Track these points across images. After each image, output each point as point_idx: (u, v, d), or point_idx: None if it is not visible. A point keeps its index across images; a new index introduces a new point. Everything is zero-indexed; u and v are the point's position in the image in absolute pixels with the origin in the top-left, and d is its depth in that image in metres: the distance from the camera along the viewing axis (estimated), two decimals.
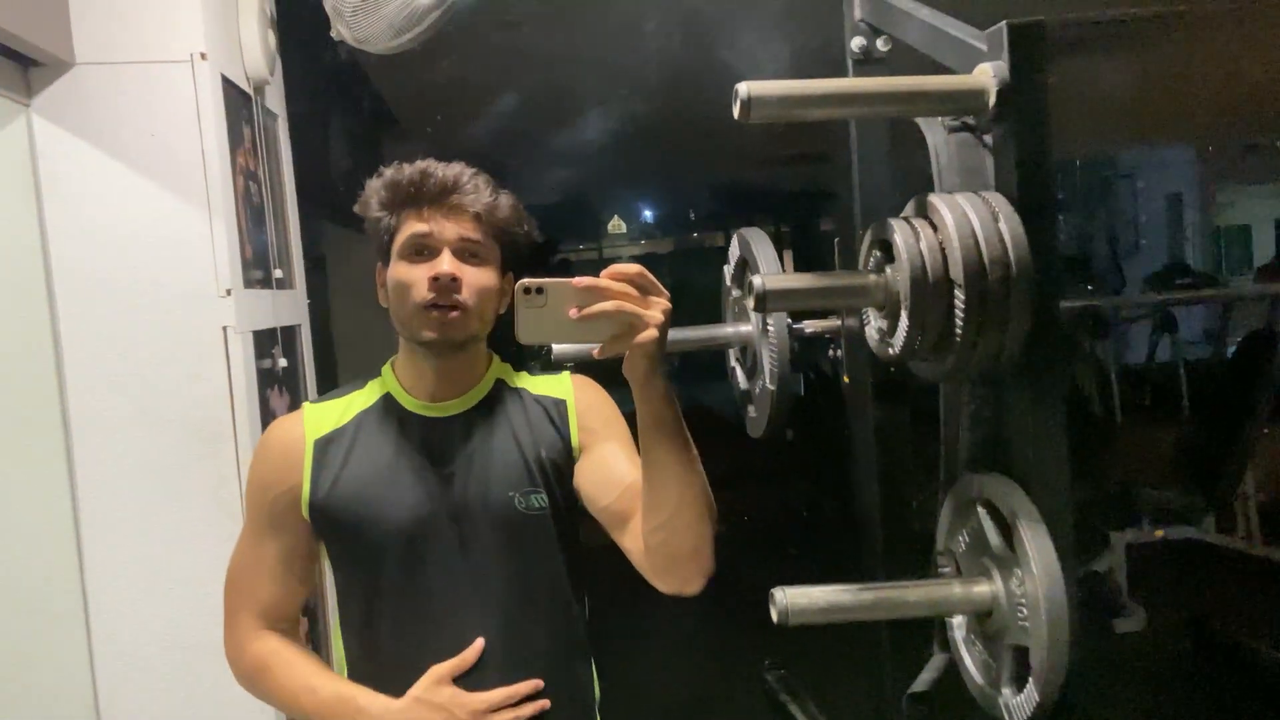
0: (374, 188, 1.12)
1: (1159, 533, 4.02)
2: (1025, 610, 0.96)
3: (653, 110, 4.95)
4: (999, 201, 0.96)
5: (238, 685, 1.15)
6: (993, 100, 0.98)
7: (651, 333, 0.91)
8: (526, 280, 0.91)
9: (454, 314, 1.08)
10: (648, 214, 11.68)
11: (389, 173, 1.12)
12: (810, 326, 1.51)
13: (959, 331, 0.94)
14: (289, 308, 1.76)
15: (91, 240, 1.39)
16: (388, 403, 1.18)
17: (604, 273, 0.92)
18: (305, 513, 1.11)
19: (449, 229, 1.09)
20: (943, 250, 0.95)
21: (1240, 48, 4.46)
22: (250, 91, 1.62)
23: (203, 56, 1.41)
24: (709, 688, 3.30)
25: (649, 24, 3.54)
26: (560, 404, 1.20)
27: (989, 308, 0.93)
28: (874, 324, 1.05)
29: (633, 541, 1.09)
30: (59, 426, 1.39)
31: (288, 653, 1.13)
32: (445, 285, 1.07)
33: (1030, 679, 0.96)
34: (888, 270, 0.99)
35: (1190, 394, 4.92)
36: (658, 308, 0.92)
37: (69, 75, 1.39)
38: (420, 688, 1.08)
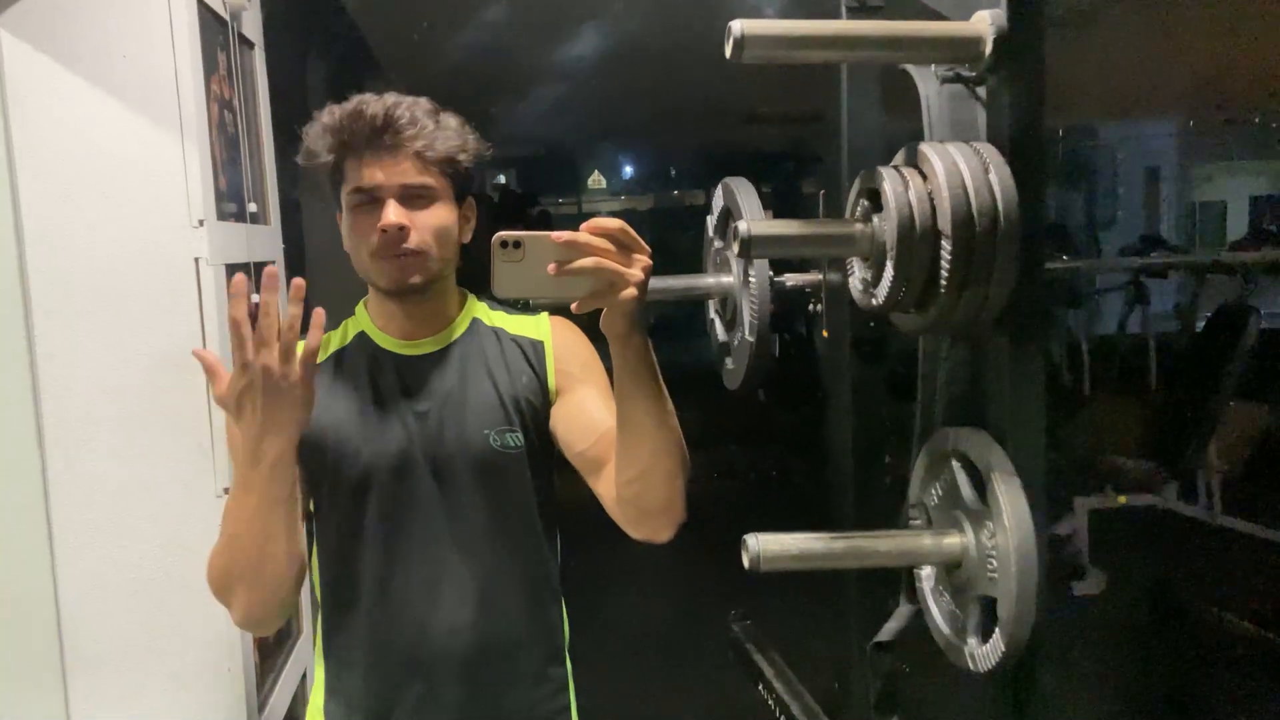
0: (311, 136, 1.10)
1: (1122, 499, 4.09)
2: (995, 562, 0.97)
3: (638, 65, 4.89)
4: (990, 152, 0.95)
5: (202, 620, 1.12)
6: (989, 49, 0.97)
7: (631, 291, 0.90)
8: (504, 234, 0.89)
9: (407, 259, 1.07)
10: (628, 170, 11.60)
11: (323, 118, 1.09)
12: (791, 280, 1.50)
13: (944, 283, 0.93)
14: (263, 243, 1.72)
15: (60, 162, 1.35)
16: (362, 341, 1.17)
17: (584, 226, 0.90)
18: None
19: (388, 177, 1.07)
20: (931, 200, 0.94)
21: (1221, 22, 4.46)
22: (226, 16, 1.57)
23: None
24: (677, 635, 3.35)
25: None
26: (538, 345, 1.20)
27: (975, 260, 0.92)
28: (858, 274, 1.04)
29: (606, 488, 1.10)
30: (24, 354, 1.36)
31: None
32: (394, 236, 1.06)
33: (996, 629, 0.97)
34: (875, 219, 0.98)
35: (1158, 365, 4.98)
36: (639, 265, 0.91)
37: None
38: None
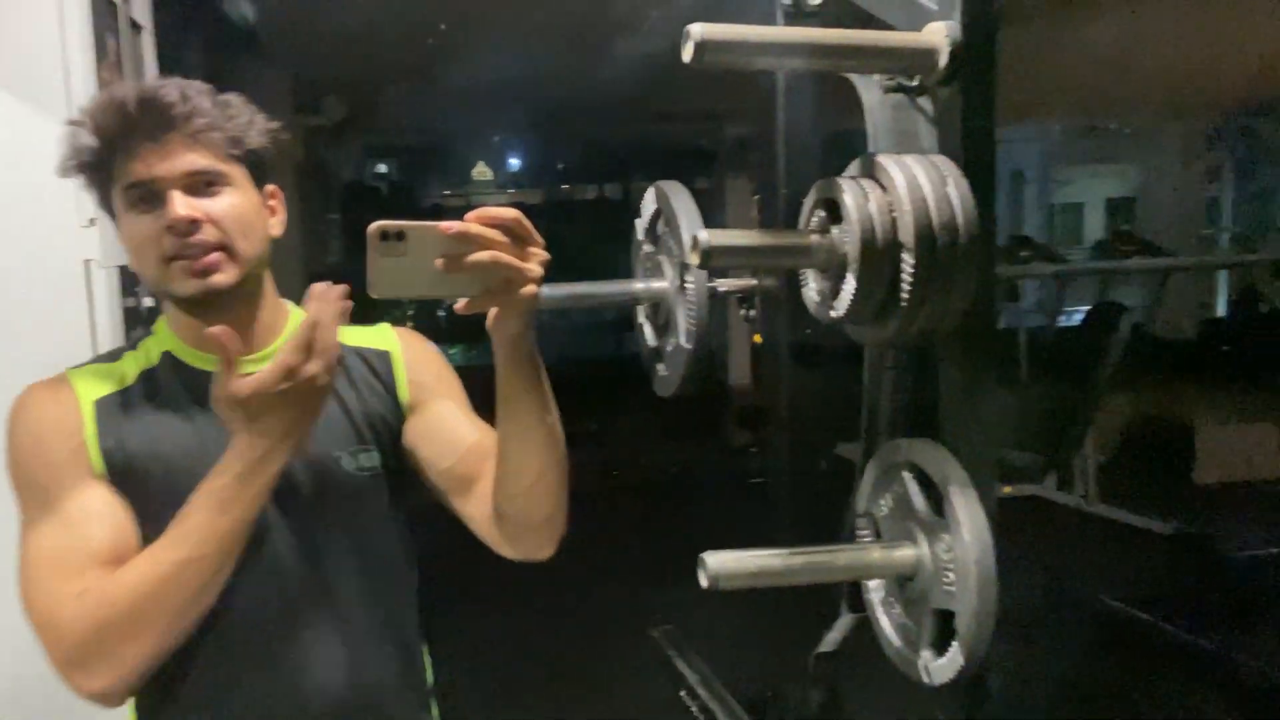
0: (69, 137, 0.93)
1: (1006, 489, 4.28)
2: (953, 575, 0.97)
3: (530, 56, 4.82)
4: (947, 165, 0.95)
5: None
6: (944, 60, 0.96)
7: (531, 288, 0.83)
8: (384, 223, 0.79)
9: (209, 257, 0.92)
10: (515, 163, 11.46)
11: (80, 116, 0.93)
12: (724, 285, 1.48)
13: (905, 296, 0.93)
14: None
15: None
16: (171, 363, 1.00)
17: (474, 215, 0.81)
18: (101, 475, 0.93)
19: (167, 166, 0.91)
20: (892, 213, 0.93)
21: (1083, 31, 4.70)
22: (116, 1, 1.46)
23: None
24: (586, 653, 3.30)
25: None
26: (384, 356, 1.09)
27: (936, 273, 0.92)
28: (813, 286, 1.02)
29: (477, 508, 1.02)
30: None
31: (120, 571, 0.90)
32: (185, 230, 0.91)
33: (954, 642, 0.97)
34: (834, 231, 0.97)
35: (1030, 360, 5.22)
36: (535, 259, 0.84)
37: None
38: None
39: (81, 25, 1.27)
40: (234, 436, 0.89)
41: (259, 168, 0.99)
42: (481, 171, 10.99)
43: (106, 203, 0.96)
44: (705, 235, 0.94)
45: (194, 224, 0.91)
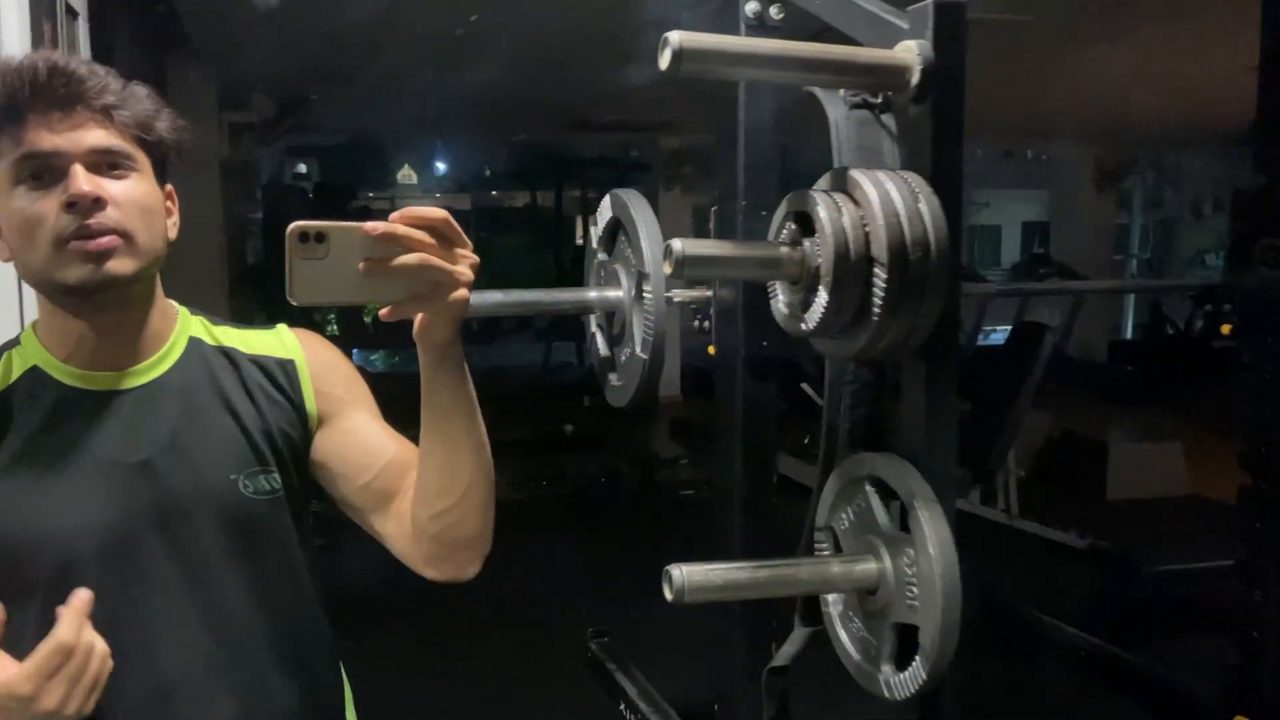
0: None
1: None
2: (917, 590, 0.98)
3: (461, 59, 4.77)
4: (917, 182, 0.96)
5: None
6: (915, 78, 0.98)
7: (462, 293, 0.79)
8: (303, 224, 0.74)
9: (106, 239, 0.84)
10: (441, 166, 11.31)
11: None
12: (679, 296, 1.48)
13: (876, 310, 0.93)
14: None
15: None
16: (37, 378, 0.90)
17: (399, 215, 0.77)
18: None
19: (69, 139, 0.83)
20: (864, 227, 0.94)
21: (1003, 60, 4.86)
22: None
23: None
24: (519, 667, 3.25)
25: None
26: (287, 364, 1.00)
27: (908, 288, 0.93)
28: (783, 298, 1.02)
29: (395, 526, 0.96)
30: None
31: None
32: (86, 208, 0.83)
33: (917, 657, 0.98)
34: (805, 244, 0.97)
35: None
36: (466, 263, 0.80)
37: None
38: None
39: (19, 6, 1.20)
40: None
41: (163, 161, 0.92)
42: (406, 175, 10.82)
43: None
44: (680, 245, 0.93)
45: (98, 202, 0.83)
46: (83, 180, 0.83)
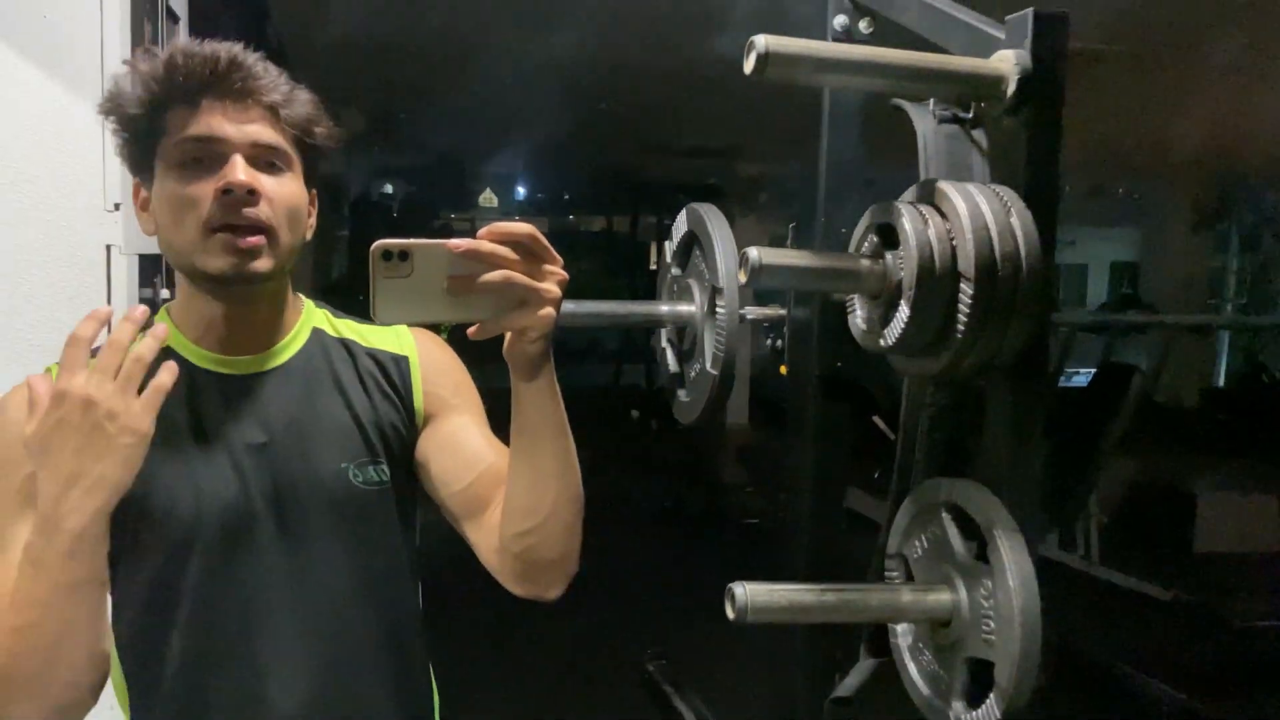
0: (123, 79, 0.86)
1: None
2: (993, 624, 0.93)
3: (547, 86, 4.83)
4: (1009, 195, 0.92)
5: None
6: (1011, 89, 0.94)
7: (548, 310, 0.77)
8: (387, 242, 0.72)
9: (254, 238, 0.85)
10: (521, 190, 11.48)
11: (141, 61, 0.85)
12: (751, 313, 1.45)
13: (961, 328, 0.89)
14: None
15: None
16: (169, 358, 0.91)
17: (485, 232, 0.75)
18: None
19: (236, 129, 0.85)
20: (951, 241, 0.90)
21: (1095, 94, 4.73)
22: None
23: None
24: (578, 679, 3.23)
25: None
26: (401, 361, 1.01)
27: (996, 305, 0.89)
28: (861, 313, 0.99)
29: (485, 537, 0.95)
30: None
31: None
32: (240, 199, 0.84)
33: (991, 694, 0.93)
34: (888, 257, 0.94)
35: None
36: (553, 279, 0.78)
37: None
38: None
39: (121, 10, 1.24)
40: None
41: (314, 165, 0.94)
42: (488, 198, 11.00)
43: (141, 155, 0.88)
44: (756, 253, 0.91)
45: (251, 193, 0.85)
46: (240, 170, 0.84)
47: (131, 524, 0.87)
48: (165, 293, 1.47)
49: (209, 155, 0.85)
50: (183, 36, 1.62)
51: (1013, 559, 0.92)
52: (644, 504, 5.44)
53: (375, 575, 0.97)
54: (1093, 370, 5.02)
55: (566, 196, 11.42)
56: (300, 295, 1.01)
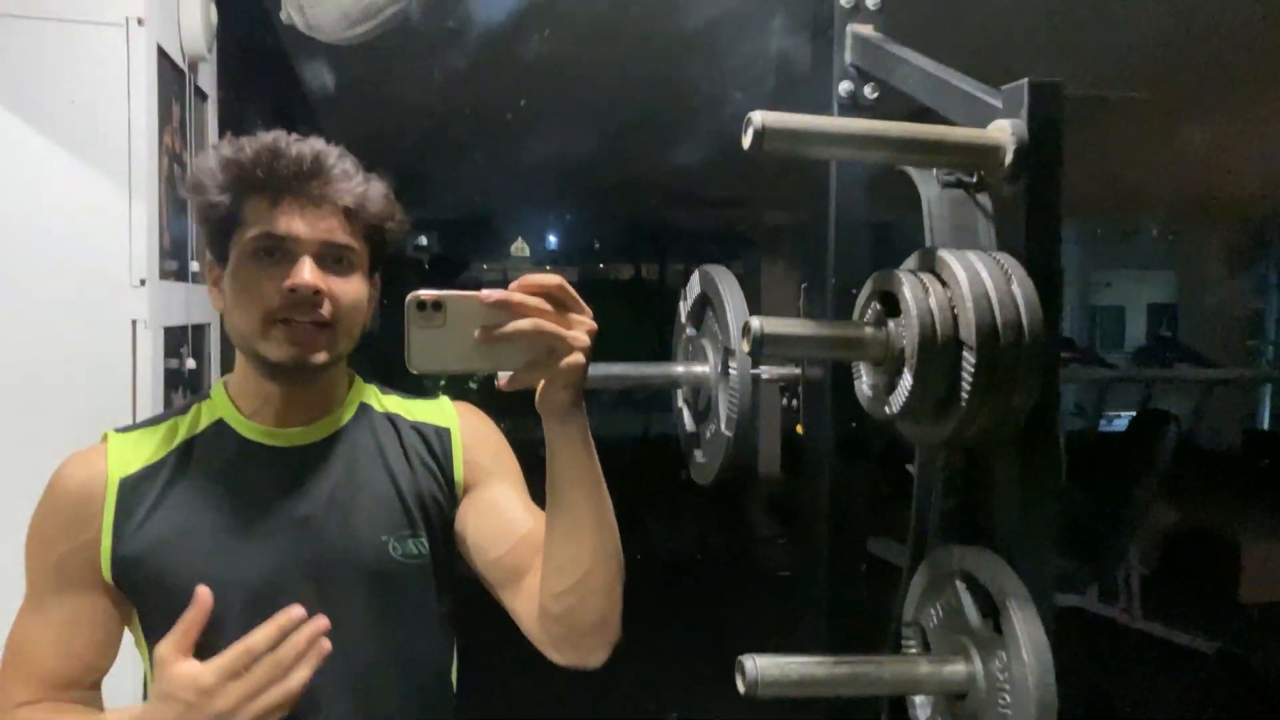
0: (208, 166, 0.90)
1: None
2: (1009, 697, 0.91)
3: (575, 137, 4.91)
4: (1010, 263, 0.92)
5: None
6: (1009, 158, 0.95)
7: (577, 358, 0.78)
8: (421, 293, 0.74)
9: (314, 332, 0.89)
10: (553, 240, 11.61)
11: (226, 149, 0.90)
12: (766, 373, 1.45)
13: (965, 396, 0.89)
14: (201, 304, 1.61)
15: None
16: (220, 431, 0.96)
17: (516, 284, 0.77)
18: (107, 573, 0.90)
19: (310, 229, 0.89)
20: (953, 309, 0.90)
21: (1129, 138, 4.72)
22: (184, 67, 1.49)
23: (139, 22, 1.28)
24: None
25: (593, 51, 3.50)
26: (443, 433, 1.03)
27: (999, 372, 0.88)
28: (866, 379, 0.99)
29: (525, 604, 0.94)
30: None
31: (54, 713, 0.90)
32: (305, 299, 0.88)
33: None
34: (890, 324, 0.94)
35: (1071, 464, 5.10)
36: (582, 328, 0.79)
37: None
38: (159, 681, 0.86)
39: (148, 89, 1.29)
40: (150, 694, 0.85)
41: (381, 255, 0.97)
42: (519, 247, 11.12)
43: (218, 239, 0.92)
44: (758, 323, 0.92)
45: (318, 294, 0.89)
46: (308, 272, 0.88)
47: (168, 591, 0.89)
48: (191, 363, 1.50)
49: (281, 250, 0.89)
50: (211, 115, 1.68)
51: (1026, 630, 0.90)
52: (672, 556, 5.40)
53: (411, 647, 0.97)
54: (1132, 414, 4.94)
55: (596, 245, 11.53)
56: (352, 370, 1.04)
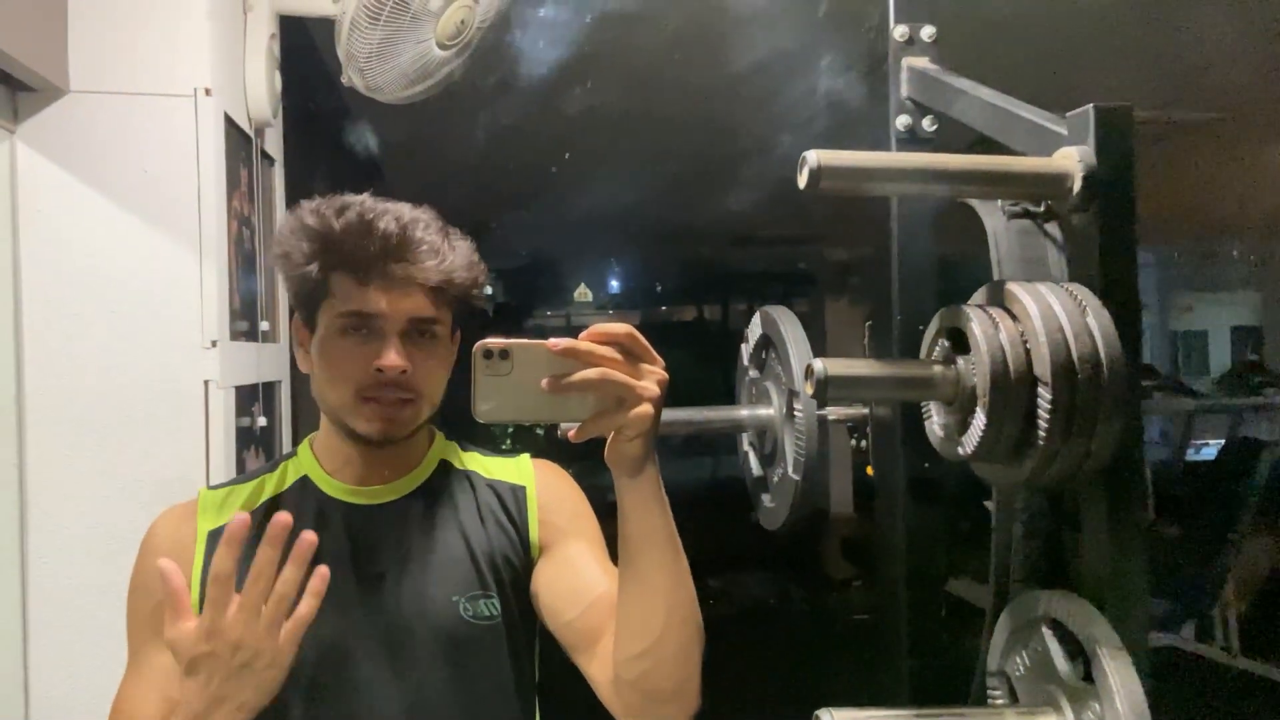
0: (293, 234, 0.91)
1: None
2: None
3: (637, 183, 4.95)
4: (1084, 294, 0.89)
5: None
6: (1077, 186, 0.91)
7: (646, 409, 0.75)
8: (488, 342, 0.73)
9: (401, 408, 0.90)
10: (615, 284, 11.68)
11: (310, 218, 0.90)
12: (834, 414, 1.42)
13: (1043, 435, 0.85)
14: (271, 362, 1.64)
15: (69, 278, 1.28)
16: (304, 487, 0.97)
17: (585, 334, 0.75)
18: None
19: (395, 308, 0.89)
20: (1025, 344, 0.87)
21: (1205, 158, 4.57)
22: (251, 133, 1.53)
23: (207, 92, 1.32)
24: None
25: (648, 95, 3.53)
26: (519, 491, 1.01)
27: (1077, 410, 0.85)
28: (937, 419, 0.96)
29: (601, 669, 0.90)
30: (14, 483, 1.25)
31: None
32: (392, 379, 0.89)
33: None
34: (959, 362, 0.91)
35: (1159, 496, 4.91)
36: (652, 378, 0.76)
37: (61, 102, 1.29)
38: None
39: (216, 156, 1.33)
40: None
41: (461, 317, 0.98)
42: (583, 293, 11.20)
43: (305, 305, 0.93)
44: (821, 365, 0.89)
45: (404, 374, 0.90)
46: (395, 354, 0.89)
47: None
48: (262, 420, 1.53)
49: (369, 327, 0.90)
50: (279, 179, 1.73)
51: (1120, 680, 0.85)
52: (747, 601, 5.30)
53: (482, 710, 0.95)
54: (1221, 442, 4.74)
55: (659, 289, 11.57)
56: (433, 427, 1.04)
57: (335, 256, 0.90)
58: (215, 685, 0.79)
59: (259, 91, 1.50)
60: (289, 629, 0.80)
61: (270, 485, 0.98)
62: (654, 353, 0.79)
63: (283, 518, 0.79)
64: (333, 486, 0.97)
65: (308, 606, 0.81)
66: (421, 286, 0.91)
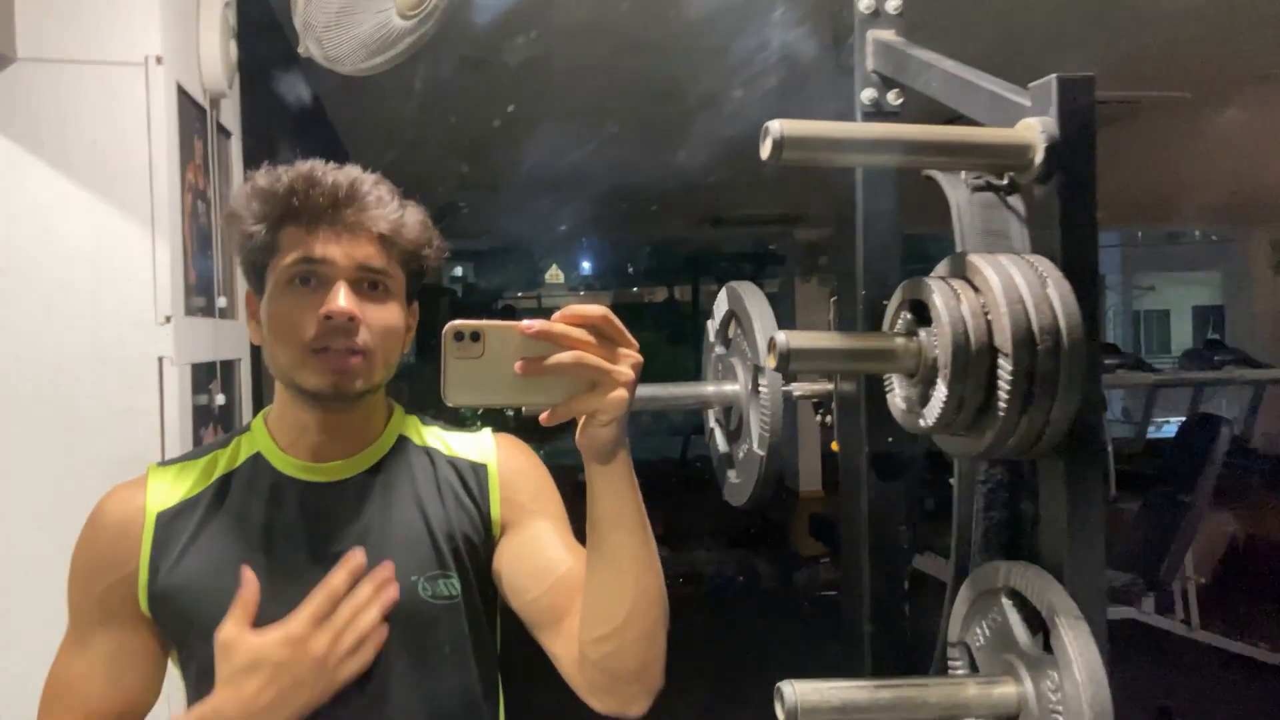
0: (244, 196, 0.90)
1: None
2: (1062, 718, 0.87)
3: (603, 162, 4.93)
4: (1045, 266, 0.89)
5: None
6: (1039, 157, 0.91)
7: (620, 393, 0.74)
8: (459, 323, 0.72)
9: (351, 359, 0.88)
10: (586, 265, 11.67)
11: (262, 179, 0.90)
12: (798, 390, 1.42)
13: (1003, 406, 0.85)
14: (230, 340, 1.61)
15: (17, 252, 1.25)
16: (257, 464, 0.95)
17: (559, 315, 0.74)
18: (145, 607, 0.89)
19: (344, 254, 0.88)
20: (986, 315, 0.87)
21: (1168, 140, 4.63)
22: (205, 104, 1.50)
23: (158, 60, 1.29)
24: None
25: (615, 74, 3.51)
26: (479, 469, 1.00)
27: (1037, 381, 0.85)
28: (899, 392, 0.96)
29: (564, 647, 0.91)
30: None
31: None
32: (340, 326, 0.87)
33: None
34: (921, 334, 0.91)
35: (1120, 472, 4.99)
36: (626, 361, 0.76)
37: (7, 71, 1.25)
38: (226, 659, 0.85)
39: (168, 127, 1.30)
40: (217, 683, 0.84)
41: (418, 282, 0.97)
42: (554, 274, 11.18)
43: (256, 269, 0.93)
44: (783, 337, 0.89)
45: (353, 321, 0.88)
46: (342, 298, 0.88)
47: (201, 627, 0.88)
48: (221, 398, 1.50)
49: (315, 275, 0.89)
50: (235, 151, 1.69)
51: (1078, 648, 0.86)
52: (716, 579, 5.33)
53: (442, 689, 0.94)
54: (1182, 419, 4.82)
55: (630, 269, 11.57)
56: (392, 401, 1.02)
57: (283, 210, 0.89)
58: (271, 692, 0.82)
59: (213, 61, 1.46)
60: (356, 660, 0.85)
61: (222, 462, 0.96)
62: (629, 335, 0.78)
63: (358, 558, 0.87)
64: (286, 463, 0.95)
65: (378, 634, 0.88)
66: (370, 234, 0.90)
